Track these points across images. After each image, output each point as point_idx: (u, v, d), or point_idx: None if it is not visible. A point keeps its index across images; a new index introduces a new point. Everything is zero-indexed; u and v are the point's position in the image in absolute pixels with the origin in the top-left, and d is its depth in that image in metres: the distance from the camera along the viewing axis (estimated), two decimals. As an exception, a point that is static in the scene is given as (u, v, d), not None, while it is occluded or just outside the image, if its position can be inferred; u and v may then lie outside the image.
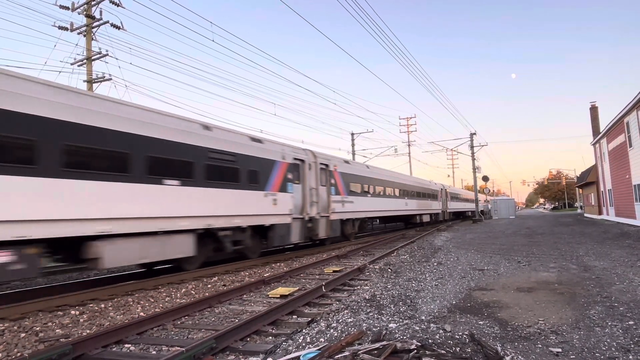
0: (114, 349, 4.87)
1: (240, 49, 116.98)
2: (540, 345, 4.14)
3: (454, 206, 42.09)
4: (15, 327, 5.78)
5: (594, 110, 37.21)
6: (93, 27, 17.25)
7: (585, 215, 42.29)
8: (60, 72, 25.47)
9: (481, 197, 50.36)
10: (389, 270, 9.79)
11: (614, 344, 4.12)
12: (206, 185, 10.13)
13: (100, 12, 17.11)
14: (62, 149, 7.22)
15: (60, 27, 16.91)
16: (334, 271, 10.12)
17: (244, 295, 7.72)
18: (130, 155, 8.39)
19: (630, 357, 3.78)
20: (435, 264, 10.35)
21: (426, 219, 31.60)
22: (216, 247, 10.89)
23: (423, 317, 5.24)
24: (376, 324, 4.72)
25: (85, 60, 17.22)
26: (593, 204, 37.66)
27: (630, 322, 4.80)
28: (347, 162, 18.85)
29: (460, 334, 4.23)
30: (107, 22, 17.17)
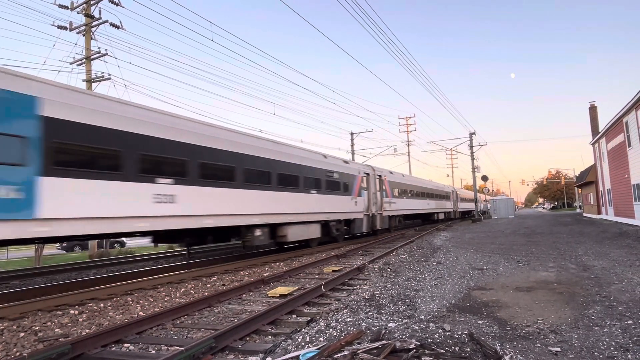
0: (113, 349, 4.87)
1: (239, 48, 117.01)
2: (539, 345, 4.14)
3: (462, 206, 48.08)
4: (14, 327, 5.78)
5: (593, 110, 37.20)
6: (92, 27, 17.25)
7: (584, 214, 42.28)
8: (59, 71, 25.49)
9: (481, 196, 51.53)
10: (388, 269, 9.80)
11: (613, 343, 4.13)
12: (327, 193, 16.06)
13: (100, 11, 17.15)
14: (279, 175, 13.15)
15: (60, 27, 16.91)
16: (334, 271, 10.14)
17: (244, 295, 7.73)
18: (316, 180, 15.37)
19: (629, 356, 3.78)
20: (434, 263, 10.36)
21: (441, 216, 37.79)
22: (326, 232, 16.20)
23: (422, 317, 5.24)
24: (375, 324, 4.73)
25: (84, 60, 17.22)
26: (592, 203, 37.67)
27: (629, 322, 4.80)
28: (391, 172, 24.67)
29: (459, 333, 4.23)
30: (107, 21, 17.18)
